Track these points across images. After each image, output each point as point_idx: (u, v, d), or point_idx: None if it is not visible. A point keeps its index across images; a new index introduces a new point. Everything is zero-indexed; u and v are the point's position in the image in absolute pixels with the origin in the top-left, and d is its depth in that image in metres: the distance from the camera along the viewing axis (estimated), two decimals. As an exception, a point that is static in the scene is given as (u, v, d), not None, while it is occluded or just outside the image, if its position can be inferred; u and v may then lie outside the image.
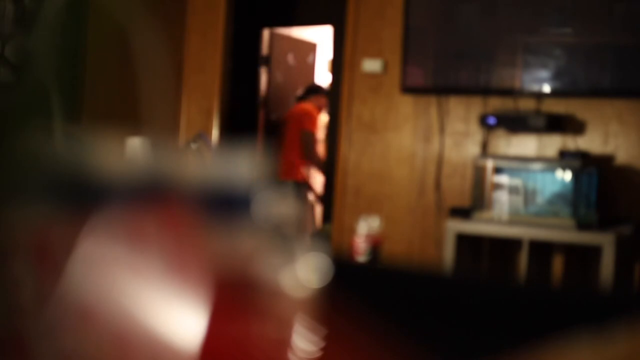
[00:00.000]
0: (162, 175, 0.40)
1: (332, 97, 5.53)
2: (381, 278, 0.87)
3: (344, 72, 4.97)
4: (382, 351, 0.48)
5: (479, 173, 4.22)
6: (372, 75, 4.82)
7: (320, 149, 6.12)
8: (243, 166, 0.41)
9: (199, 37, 5.48)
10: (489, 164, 4.19)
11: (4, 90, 4.30)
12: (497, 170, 4.17)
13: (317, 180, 6.10)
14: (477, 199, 4.19)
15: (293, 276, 0.40)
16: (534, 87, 4.26)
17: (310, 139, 6.00)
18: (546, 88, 4.23)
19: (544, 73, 4.25)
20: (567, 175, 4.04)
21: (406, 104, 4.70)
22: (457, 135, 4.55)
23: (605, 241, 3.79)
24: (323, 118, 6.22)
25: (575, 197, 4.00)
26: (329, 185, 5.42)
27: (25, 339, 0.37)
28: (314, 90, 6.39)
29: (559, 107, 4.28)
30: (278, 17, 6.78)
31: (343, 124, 4.90)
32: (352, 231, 2.46)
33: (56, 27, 4.40)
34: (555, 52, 4.24)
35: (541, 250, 4.23)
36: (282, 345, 0.38)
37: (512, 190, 4.12)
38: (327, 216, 5.46)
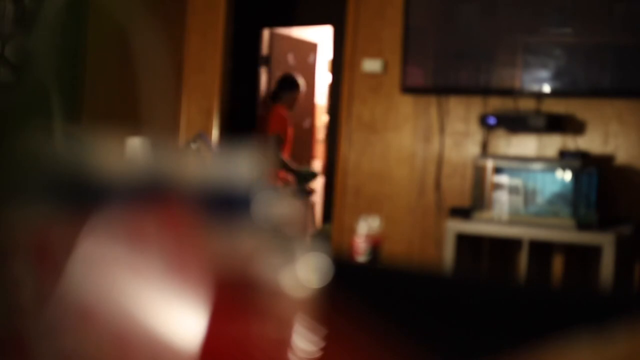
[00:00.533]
0: (162, 175, 0.40)
1: (332, 97, 5.53)
2: (381, 278, 0.87)
3: (344, 72, 4.97)
4: (382, 351, 0.48)
5: (479, 173, 4.22)
6: (372, 75, 4.82)
7: (287, 151, 6.00)
8: (243, 166, 0.41)
9: (199, 37, 5.48)
10: (489, 164, 4.19)
11: (4, 90, 4.30)
12: (497, 170, 4.17)
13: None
14: (477, 199, 4.19)
15: (293, 276, 0.40)
16: (534, 87, 4.26)
17: (274, 143, 5.84)
18: (546, 88, 4.23)
19: (544, 73, 4.25)
20: (567, 175, 4.04)
21: (406, 104, 4.70)
22: (457, 135, 4.55)
23: (605, 241, 3.79)
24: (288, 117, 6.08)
25: (575, 197, 4.00)
26: (329, 185, 5.42)
27: (25, 339, 0.37)
28: (287, 85, 6.20)
29: (559, 107, 4.28)
30: (278, 17, 6.78)
31: (343, 124, 4.90)
32: (352, 231, 2.45)
33: (56, 27, 4.40)
34: (555, 52, 4.24)
35: (541, 250, 4.23)
36: (282, 345, 0.38)
37: (512, 190, 4.12)
38: (327, 216, 5.46)
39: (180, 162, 0.41)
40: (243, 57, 6.18)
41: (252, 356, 0.37)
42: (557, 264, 4.28)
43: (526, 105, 4.33)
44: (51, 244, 0.39)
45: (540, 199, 4.09)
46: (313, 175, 6.10)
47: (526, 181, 4.11)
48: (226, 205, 0.40)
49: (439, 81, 4.59)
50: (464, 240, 4.16)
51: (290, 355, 0.38)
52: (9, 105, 4.23)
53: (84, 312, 0.37)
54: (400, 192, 4.69)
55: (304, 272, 0.41)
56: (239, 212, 0.40)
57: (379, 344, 0.47)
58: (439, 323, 0.72)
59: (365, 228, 2.37)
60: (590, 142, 4.22)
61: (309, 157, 7.42)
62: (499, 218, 4.08)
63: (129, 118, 4.60)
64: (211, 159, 0.41)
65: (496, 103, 4.42)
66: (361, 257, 2.35)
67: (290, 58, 7.11)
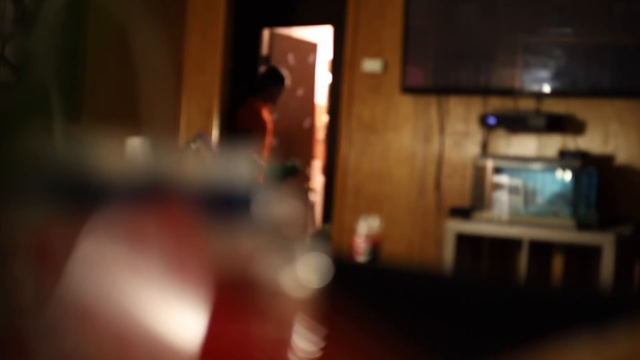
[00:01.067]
0: (162, 175, 0.40)
1: (332, 97, 5.53)
2: (381, 278, 0.87)
3: (344, 72, 4.97)
4: (382, 351, 0.48)
5: (479, 173, 4.22)
6: (372, 75, 4.82)
7: (266, 146, 5.81)
8: (243, 166, 0.41)
9: (199, 37, 5.48)
10: (489, 164, 4.19)
11: (4, 90, 4.30)
12: (497, 170, 4.17)
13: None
14: (477, 199, 4.19)
15: (293, 276, 0.40)
16: (534, 87, 4.26)
17: (246, 138, 5.63)
18: (546, 88, 4.23)
19: (544, 73, 4.25)
20: (567, 175, 4.04)
21: (406, 104, 4.70)
22: (457, 135, 4.55)
23: (605, 241, 3.79)
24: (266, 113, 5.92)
25: (575, 197, 4.00)
26: (329, 185, 5.42)
27: (25, 339, 0.37)
28: (272, 79, 6.04)
29: (559, 107, 4.28)
30: (278, 17, 6.78)
31: (343, 124, 4.90)
32: (352, 231, 2.46)
33: (56, 27, 4.40)
34: (555, 52, 4.24)
35: (541, 250, 4.23)
36: (282, 345, 0.38)
37: (512, 190, 4.12)
38: (327, 216, 5.45)
39: (180, 162, 0.41)
40: (243, 57, 6.18)
41: (252, 356, 0.37)
42: (557, 264, 4.28)
43: (526, 105, 4.33)
44: (51, 244, 0.39)
45: (540, 199, 4.09)
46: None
47: (526, 181, 4.11)
48: (226, 205, 0.40)
49: (439, 81, 4.59)
50: (464, 240, 4.16)
51: (290, 355, 0.38)
52: (9, 105, 4.23)
53: (84, 312, 0.37)
54: (400, 192, 4.69)
55: (304, 272, 0.41)
56: (239, 212, 0.40)
57: (379, 344, 0.47)
58: (439, 323, 0.72)
59: (365, 228, 2.37)
60: (590, 142, 4.22)
61: (309, 157, 7.42)
62: (499, 218, 4.08)
63: (129, 118, 4.60)
64: (211, 159, 0.41)
65: (496, 103, 4.42)
66: (361, 257, 2.35)
67: (290, 58, 7.11)
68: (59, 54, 4.47)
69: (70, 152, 0.40)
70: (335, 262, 0.46)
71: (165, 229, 0.39)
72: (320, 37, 7.43)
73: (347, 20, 4.94)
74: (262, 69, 6.39)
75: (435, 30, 4.59)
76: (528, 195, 4.11)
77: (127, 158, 0.40)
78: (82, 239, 0.38)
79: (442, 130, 4.58)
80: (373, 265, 1.93)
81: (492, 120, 4.29)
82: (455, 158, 4.55)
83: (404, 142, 4.70)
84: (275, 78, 6.10)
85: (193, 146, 3.82)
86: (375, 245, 2.37)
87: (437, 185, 4.57)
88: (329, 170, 6.11)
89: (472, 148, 4.49)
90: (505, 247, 4.35)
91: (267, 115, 5.92)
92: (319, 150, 7.86)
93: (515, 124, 4.28)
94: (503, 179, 4.15)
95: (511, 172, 4.15)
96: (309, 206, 6.16)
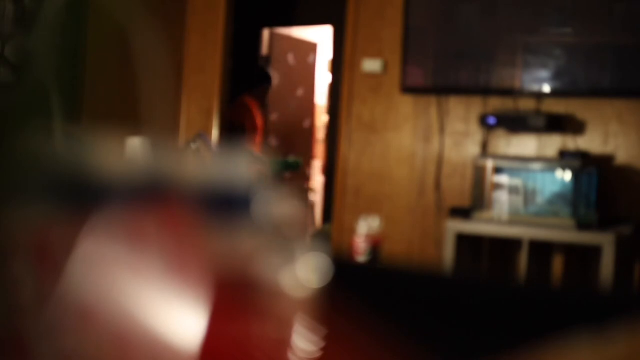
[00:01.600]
0: (162, 175, 0.40)
1: (332, 97, 5.53)
2: (381, 278, 0.87)
3: (344, 72, 4.97)
4: (382, 351, 0.48)
5: (479, 173, 4.22)
6: (372, 75, 4.82)
7: (257, 142, 5.79)
8: (243, 166, 0.41)
9: (199, 37, 5.48)
10: (489, 164, 4.19)
11: (4, 90, 4.30)
12: (497, 170, 4.17)
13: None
14: (477, 199, 4.19)
15: (293, 276, 0.40)
16: (534, 87, 4.26)
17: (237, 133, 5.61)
18: (546, 88, 4.23)
19: (544, 73, 4.25)
20: (567, 175, 4.04)
21: (406, 104, 4.70)
22: (457, 135, 4.55)
23: (605, 241, 3.78)
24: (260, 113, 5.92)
25: (575, 197, 4.00)
26: (329, 185, 5.42)
27: (25, 339, 0.37)
28: (260, 79, 6.03)
29: (559, 107, 4.28)
30: (278, 17, 6.79)
31: (343, 124, 4.90)
32: (352, 231, 2.45)
33: (56, 27, 4.40)
34: (555, 52, 4.24)
35: (541, 250, 4.23)
36: (282, 345, 0.38)
37: (512, 190, 4.12)
38: (327, 216, 5.45)
39: (180, 162, 0.41)
40: (243, 57, 6.18)
41: (252, 356, 0.37)
42: (557, 264, 4.28)
43: (526, 105, 4.33)
44: (51, 244, 0.39)
45: (540, 199, 4.09)
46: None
47: (526, 181, 4.11)
48: (226, 205, 0.40)
49: (439, 81, 4.59)
50: (464, 240, 4.16)
51: (290, 355, 0.38)
52: (9, 105, 4.23)
53: (84, 312, 0.37)
54: (400, 192, 4.69)
55: (304, 272, 0.41)
56: (239, 212, 0.40)
57: (379, 344, 0.47)
58: (439, 323, 0.72)
59: (365, 228, 2.37)
60: (590, 142, 4.22)
61: (309, 157, 7.42)
62: (499, 218, 4.08)
63: (129, 118, 4.60)
64: (211, 159, 0.41)
65: (496, 103, 4.42)
66: (361, 257, 2.35)
67: (290, 58, 7.11)
68: (59, 54, 4.47)
69: (70, 152, 0.40)
70: (335, 262, 0.46)
71: (165, 229, 0.39)
72: (320, 37, 7.43)
73: (347, 20, 4.94)
74: (254, 69, 6.35)
75: (435, 30, 4.59)
76: (528, 195, 4.11)
77: (127, 158, 0.40)
78: (82, 239, 0.38)
79: (442, 130, 4.58)
80: (373, 265, 1.93)
81: (492, 120, 4.29)
82: (455, 158, 4.55)
83: (404, 142, 4.70)
84: (262, 77, 6.07)
85: (193, 146, 3.82)
86: (375, 245, 2.37)
87: (437, 185, 4.57)
88: (329, 170, 6.11)
89: (472, 148, 4.49)
90: (505, 247, 4.35)
91: (256, 113, 5.90)
92: (319, 150, 7.86)
93: (515, 124, 4.28)
94: (503, 179, 4.15)
95: (511, 172, 4.15)
96: (309, 206, 6.16)
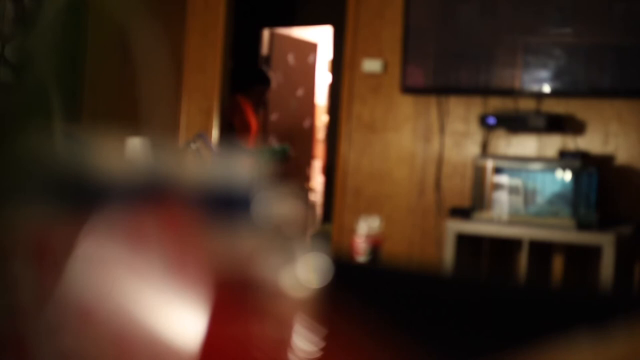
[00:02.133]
0: (162, 175, 0.40)
1: (332, 97, 5.52)
2: (381, 278, 0.87)
3: (344, 72, 4.97)
4: (382, 351, 0.48)
5: (479, 173, 4.22)
6: (372, 75, 4.82)
7: (251, 141, 5.77)
8: (243, 166, 0.41)
9: (199, 37, 5.48)
10: (489, 164, 4.19)
11: (4, 90, 4.30)
12: (497, 170, 4.17)
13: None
14: (477, 199, 4.19)
15: (293, 276, 0.40)
16: (534, 87, 4.26)
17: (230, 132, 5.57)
18: (546, 88, 4.23)
19: (544, 73, 4.25)
20: (567, 175, 4.04)
21: (406, 104, 4.70)
22: (457, 135, 4.55)
23: (605, 241, 3.78)
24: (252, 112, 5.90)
25: (575, 197, 4.00)
26: (329, 185, 5.41)
27: (25, 339, 0.37)
28: (258, 79, 6.00)
29: (559, 107, 4.28)
30: (278, 17, 6.79)
31: (343, 124, 4.90)
32: (352, 231, 2.45)
33: (56, 27, 4.40)
34: (555, 52, 4.24)
35: (541, 250, 4.23)
36: (282, 345, 0.38)
37: (512, 190, 4.12)
38: (327, 216, 5.45)
39: (180, 162, 0.41)
40: (243, 57, 6.18)
41: (252, 356, 0.37)
42: (557, 264, 4.28)
43: (526, 105, 4.33)
44: (51, 244, 0.39)
45: (540, 199, 4.09)
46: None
47: (526, 181, 4.11)
48: (226, 205, 0.40)
49: (439, 81, 4.59)
50: (464, 240, 4.16)
51: (290, 355, 0.38)
52: (9, 105, 4.22)
53: (84, 312, 0.37)
54: (400, 192, 4.69)
55: (304, 272, 0.41)
56: (239, 212, 0.40)
57: (378, 344, 0.47)
58: (439, 323, 0.72)
59: (365, 228, 2.37)
60: (590, 142, 4.22)
61: (309, 157, 7.42)
62: (499, 218, 4.08)
63: (129, 118, 4.60)
64: (211, 159, 0.41)
65: (496, 103, 4.42)
66: (361, 257, 2.35)
67: (290, 58, 7.11)
68: (59, 54, 4.47)
69: (70, 152, 0.40)
70: (335, 262, 0.46)
71: (165, 229, 0.39)
72: (320, 37, 7.43)
73: (347, 20, 4.94)
74: (253, 70, 6.33)
75: (435, 30, 4.58)
76: (528, 195, 4.11)
77: (127, 158, 0.40)
78: (82, 239, 0.38)
79: (442, 130, 4.58)
80: (373, 265, 1.93)
81: (492, 120, 4.29)
82: (455, 158, 4.55)
83: (404, 142, 4.70)
84: (260, 78, 6.05)
85: (193, 146, 3.82)
86: (375, 245, 2.37)
87: (437, 185, 4.57)
88: (329, 170, 6.11)
89: (472, 148, 4.49)
90: (505, 247, 4.35)
91: (249, 113, 5.89)
92: (319, 150, 7.87)
93: (515, 124, 4.28)
94: (503, 179, 4.15)
95: (511, 172, 4.15)
96: (309, 206, 6.16)
